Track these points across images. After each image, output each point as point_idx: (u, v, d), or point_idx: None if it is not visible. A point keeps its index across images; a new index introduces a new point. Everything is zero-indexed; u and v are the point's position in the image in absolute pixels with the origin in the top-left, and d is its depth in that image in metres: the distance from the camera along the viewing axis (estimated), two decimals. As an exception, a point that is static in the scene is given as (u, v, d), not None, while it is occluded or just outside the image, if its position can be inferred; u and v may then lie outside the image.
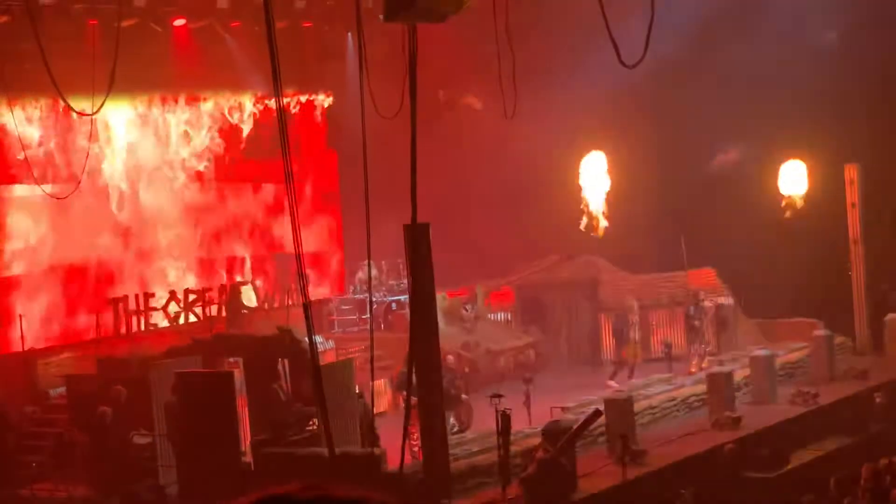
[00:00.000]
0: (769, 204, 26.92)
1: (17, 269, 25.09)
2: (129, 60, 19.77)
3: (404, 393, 21.03)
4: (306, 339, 13.05)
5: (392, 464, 16.34)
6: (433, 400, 15.93)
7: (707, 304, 26.00)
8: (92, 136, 25.20)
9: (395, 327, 26.26)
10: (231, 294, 27.69)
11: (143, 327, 26.72)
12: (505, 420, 16.53)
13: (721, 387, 20.90)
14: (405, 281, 25.66)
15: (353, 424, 18.27)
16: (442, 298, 24.39)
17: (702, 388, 21.64)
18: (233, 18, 27.25)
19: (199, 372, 18.84)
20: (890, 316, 25.20)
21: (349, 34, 28.70)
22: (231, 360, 20.30)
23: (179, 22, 26.69)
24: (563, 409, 20.74)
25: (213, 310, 27.34)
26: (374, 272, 26.06)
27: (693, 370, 23.83)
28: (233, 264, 29.61)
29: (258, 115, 29.58)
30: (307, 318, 8.87)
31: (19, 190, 25.11)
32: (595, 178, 25.02)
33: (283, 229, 28.20)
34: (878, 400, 21.40)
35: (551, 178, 28.66)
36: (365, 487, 2.81)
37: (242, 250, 29.84)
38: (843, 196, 25.79)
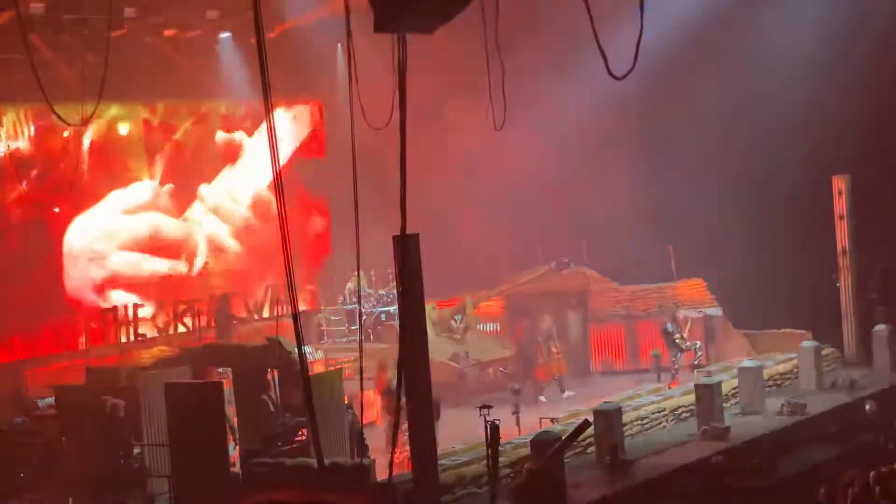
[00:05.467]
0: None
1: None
2: (120, 71, 19.78)
3: (388, 398, 21.14)
4: (296, 349, 13.04)
5: (381, 474, 16.34)
6: (422, 410, 15.91)
7: (682, 316, 26.10)
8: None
9: (385, 338, 26.27)
10: (220, 304, 27.70)
11: (132, 338, 26.73)
12: (494, 430, 16.52)
13: (709, 398, 20.91)
14: (394, 291, 25.71)
15: (342, 435, 18.26)
16: (431, 309, 24.44)
17: (690, 398, 21.67)
18: (223, 29, 27.30)
19: (188, 382, 18.82)
20: (878, 327, 25.24)
21: (339, 44, 28.76)
22: (220, 370, 20.28)
23: (170, 32, 26.74)
24: (552, 419, 20.78)
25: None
26: (363, 283, 26.10)
27: (673, 385, 23.92)
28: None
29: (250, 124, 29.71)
30: (297, 328, 8.88)
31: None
32: None
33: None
34: (868, 408, 21.41)
35: (541, 189, 28.74)
36: (355, 497, 2.83)
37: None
38: (831, 207, 25.87)
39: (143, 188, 27.78)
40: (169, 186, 28.28)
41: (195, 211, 28.97)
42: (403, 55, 8.31)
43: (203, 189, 29.12)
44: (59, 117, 15.13)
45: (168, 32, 26.75)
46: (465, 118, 25.78)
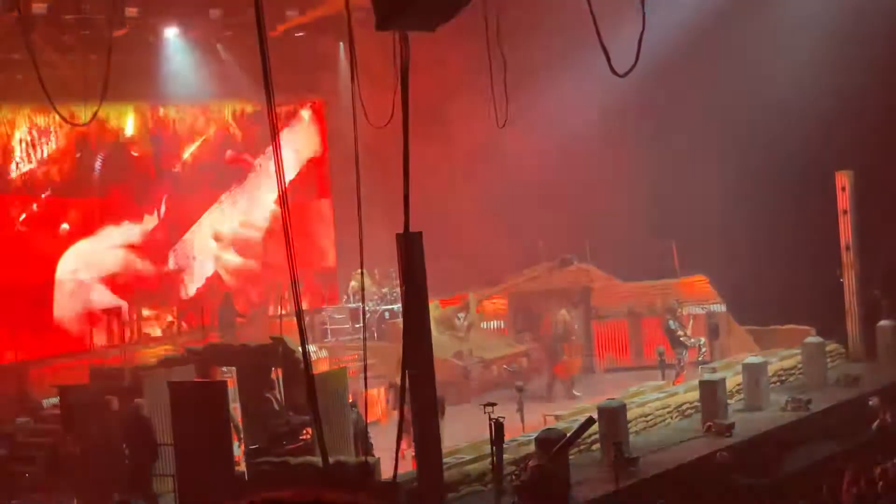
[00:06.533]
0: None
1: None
2: (122, 70, 19.80)
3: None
4: (299, 348, 13.04)
5: (386, 472, 16.35)
6: (427, 408, 15.93)
7: (685, 313, 26.08)
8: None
9: (389, 336, 26.28)
10: (223, 302, 27.69)
11: (136, 337, 26.76)
12: (498, 428, 16.54)
13: (714, 394, 20.92)
14: (398, 290, 25.72)
15: (346, 433, 18.27)
16: (435, 307, 24.44)
17: (694, 395, 21.66)
18: (225, 28, 27.30)
19: (192, 382, 18.83)
20: (882, 322, 25.22)
21: (341, 43, 28.77)
22: (224, 369, 20.29)
23: (172, 31, 26.73)
24: (556, 416, 20.79)
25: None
26: (366, 281, 26.08)
27: (678, 381, 23.91)
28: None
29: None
30: (300, 327, 8.86)
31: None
32: None
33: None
34: (871, 403, 21.37)
35: (543, 186, 28.73)
36: (357, 494, 2.83)
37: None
38: (834, 203, 25.85)
39: (132, 231, 27.69)
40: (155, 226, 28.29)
41: (199, 240, 29.06)
42: (406, 53, 8.31)
43: (207, 217, 29.21)
44: (61, 117, 15.14)
45: (169, 32, 26.74)
46: (468, 116, 25.77)
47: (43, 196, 25.89)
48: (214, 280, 29.24)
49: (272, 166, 28.87)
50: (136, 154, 27.71)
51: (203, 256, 29.11)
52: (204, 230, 29.15)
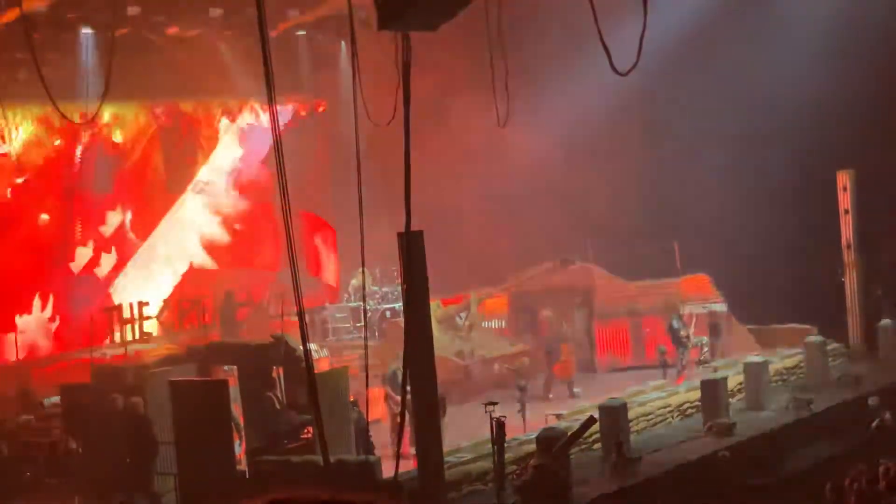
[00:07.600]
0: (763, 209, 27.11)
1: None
2: (124, 69, 19.79)
3: (389, 387, 21.17)
4: (301, 347, 13.04)
5: (387, 471, 16.34)
6: (428, 407, 15.92)
7: (688, 312, 26.06)
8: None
9: (390, 335, 26.26)
10: (224, 301, 27.69)
11: (137, 336, 26.76)
12: (499, 427, 16.55)
13: (715, 393, 20.91)
14: (399, 288, 25.70)
15: (347, 432, 18.26)
16: (436, 306, 24.42)
17: (696, 394, 21.66)
18: (226, 27, 27.30)
19: (193, 380, 18.82)
20: (883, 322, 25.22)
21: (342, 42, 28.78)
22: (226, 368, 20.29)
23: (173, 31, 26.73)
24: (557, 416, 20.79)
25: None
26: (368, 280, 26.07)
27: (679, 381, 23.89)
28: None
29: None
30: (302, 325, 8.86)
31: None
32: None
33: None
34: (871, 402, 21.38)
35: (545, 185, 28.73)
36: (371, 494, 2.83)
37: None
38: (835, 202, 25.85)
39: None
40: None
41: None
42: (407, 53, 8.32)
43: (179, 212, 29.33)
44: (63, 116, 15.14)
45: (170, 31, 26.74)
46: (469, 115, 25.76)
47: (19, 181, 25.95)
48: (192, 274, 29.30)
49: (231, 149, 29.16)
50: (119, 140, 27.71)
51: (178, 249, 29.22)
52: (176, 223, 29.22)
